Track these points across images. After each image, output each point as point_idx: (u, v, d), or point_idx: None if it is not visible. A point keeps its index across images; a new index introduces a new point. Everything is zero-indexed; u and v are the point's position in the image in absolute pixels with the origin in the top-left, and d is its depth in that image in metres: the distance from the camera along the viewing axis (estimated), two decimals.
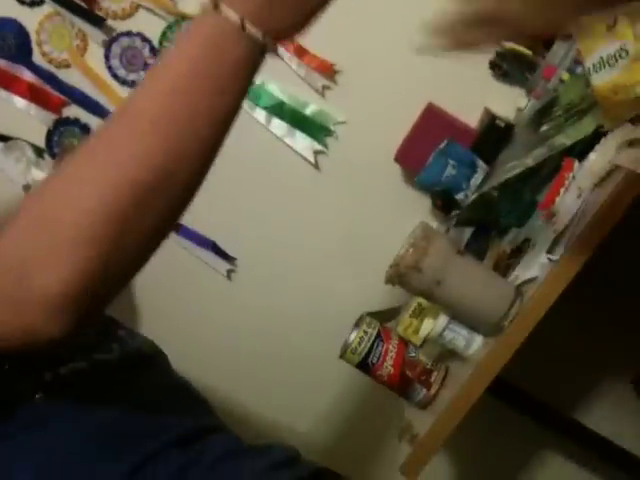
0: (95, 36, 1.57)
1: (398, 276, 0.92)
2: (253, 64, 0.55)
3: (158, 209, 0.53)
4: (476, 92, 1.44)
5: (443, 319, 0.95)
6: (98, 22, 1.56)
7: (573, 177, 0.99)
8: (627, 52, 0.99)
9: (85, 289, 0.50)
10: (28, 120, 1.63)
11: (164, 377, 0.83)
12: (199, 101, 0.53)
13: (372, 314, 1.02)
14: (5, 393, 0.63)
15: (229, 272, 1.63)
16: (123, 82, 1.58)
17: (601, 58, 1.03)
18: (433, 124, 1.41)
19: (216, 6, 0.53)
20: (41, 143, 1.64)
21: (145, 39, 1.55)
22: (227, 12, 0.53)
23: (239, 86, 0.55)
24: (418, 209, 1.47)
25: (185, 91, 0.53)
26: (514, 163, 1.10)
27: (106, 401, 0.68)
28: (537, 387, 1.51)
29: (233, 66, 0.54)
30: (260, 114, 1.52)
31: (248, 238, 1.61)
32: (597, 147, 0.95)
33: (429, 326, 0.98)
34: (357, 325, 0.98)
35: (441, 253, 0.91)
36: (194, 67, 0.53)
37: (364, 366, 0.97)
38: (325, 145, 1.52)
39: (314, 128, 1.51)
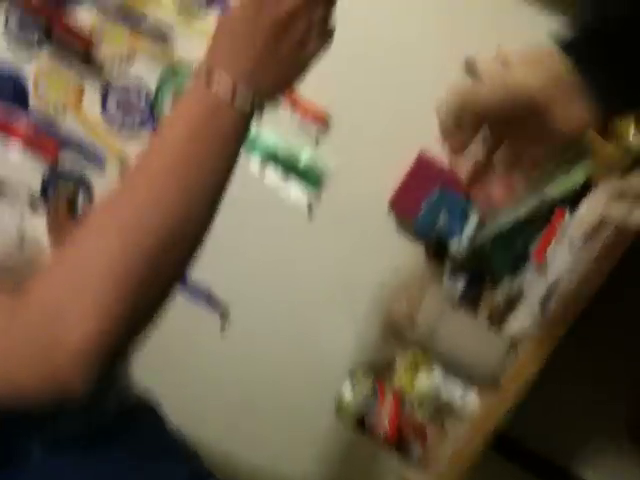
0: (92, 82, 1.59)
1: (392, 328, 0.91)
2: (244, 127, 0.60)
3: (172, 263, 0.57)
4: None
5: (438, 373, 0.94)
6: (95, 68, 1.58)
7: (564, 228, 0.99)
8: None
9: (116, 340, 0.53)
10: (23, 166, 1.63)
11: (160, 427, 0.83)
12: (200, 165, 0.58)
13: (366, 367, 1.01)
14: (3, 448, 0.63)
15: (222, 323, 1.61)
16: (119, 128, 1.59)
17: None
18: (425, 172, 1.42)
19: (210, 71, 0.57)
20: (36, 190, 1.64)
21: (142, 86, 1.57)
22: (219, 77, 0.57)
23: (234, 148, 0.60)
24: (412, 257, 1.47)
25: (188, 155, 0.57)
26: (506, 213, 1.11)
27: (105, 452, 0.68)
28: (534, 438, 1.49)
29: (228, 130, 0.59)
30: (253, 162, 1.53)
31: (241, 289, 1.60)
32: (587, 198, 0.96)
33: (424, 381, 0.97)
34: (351, 380, 0.97)
35: (435, 305, 0.91)
36: (194, 133, 0.58)
37: (359, 422, 0.96)
38: (319, 193, 1.53)
39: (307, 176, 1.52)
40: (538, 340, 0.90)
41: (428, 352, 0.94)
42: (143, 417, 0.81)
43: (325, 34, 0.63)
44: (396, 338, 0.94)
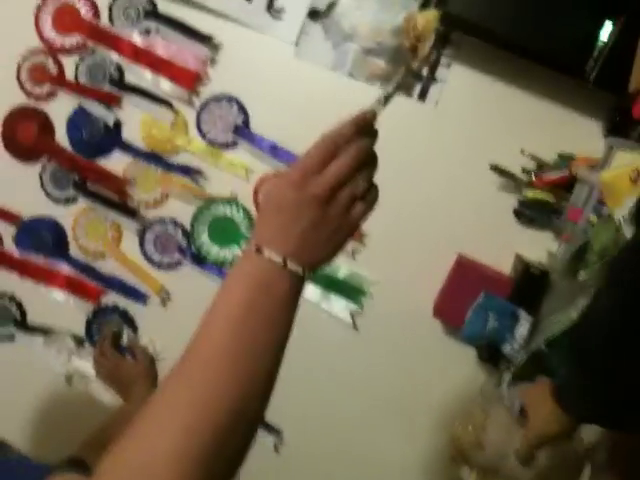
0: (129, 226, 1.64)
1: (461, 455, 0.88)
2: (297, 294, 0.60)
3: (237, 440, 0.56)
4: (504, 239, 1.45)
5: None
6: (131, 213, 1.63)
7: None
8: None
9: None
10: (67, 311, 1.67)
11: None
12: (258, 338, 0.57)
13: None
14: None
15: (276, 445, 1.58)
16: (159, 266, 1.63)
17: (630, 210, 1.04)
18: (466, 276, 1.42)
19: (259, 250, 0.57)
20: (81, 332, 1.67)
21: (177, 224, 1.61)
22: (270, 254, 0.58)
23: (289, 315, 0.60)
24: (463, 362, 1.44)
25: (242, 333, 0.57)
26: (558, 316, 1.09)
27: None
28: None
29: (281, 300, 0.59)
30: None
31: (293, 407, 1.57)
32: None
33: None
34: None
35: (501, 426, 0.88)
36: (248, 308, 0.57)
37: None
38: (361, 306, 1.53)
39: (348, 290, 1.52)
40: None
41: (501, 475, 0.90)
42: None
43: (370, 195, 0.64)
44: (463, 461, 0.90)
